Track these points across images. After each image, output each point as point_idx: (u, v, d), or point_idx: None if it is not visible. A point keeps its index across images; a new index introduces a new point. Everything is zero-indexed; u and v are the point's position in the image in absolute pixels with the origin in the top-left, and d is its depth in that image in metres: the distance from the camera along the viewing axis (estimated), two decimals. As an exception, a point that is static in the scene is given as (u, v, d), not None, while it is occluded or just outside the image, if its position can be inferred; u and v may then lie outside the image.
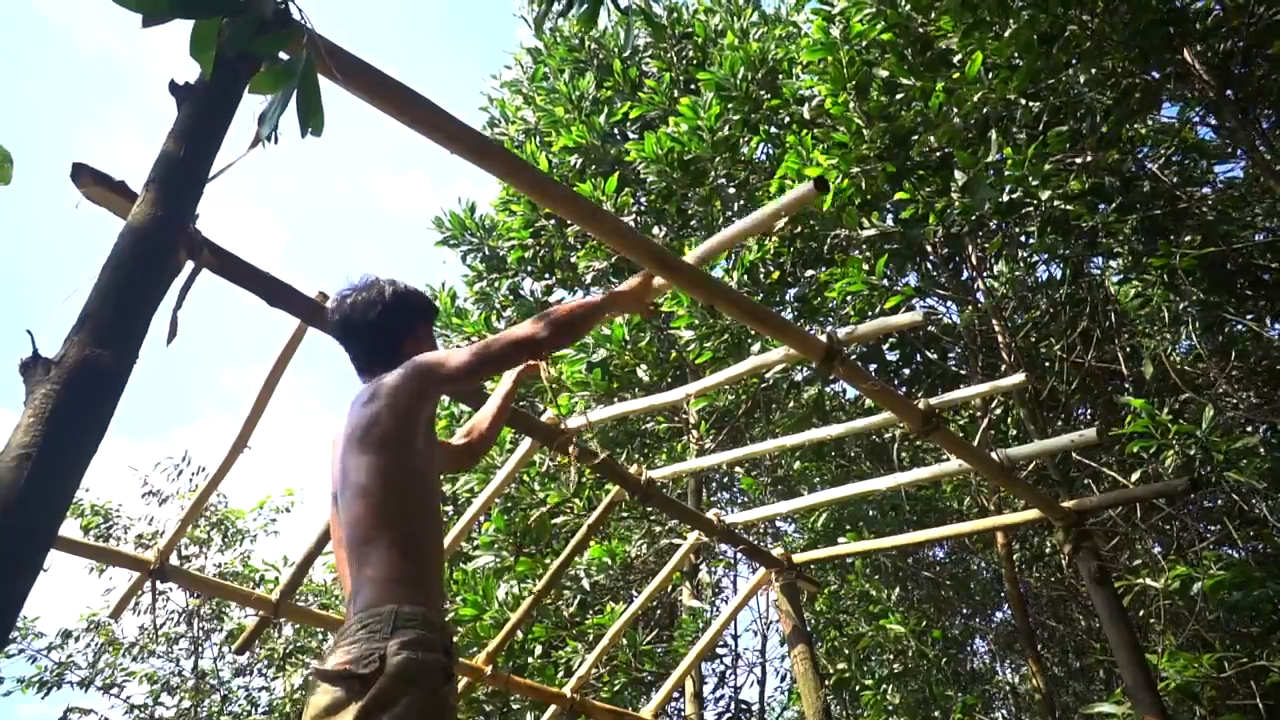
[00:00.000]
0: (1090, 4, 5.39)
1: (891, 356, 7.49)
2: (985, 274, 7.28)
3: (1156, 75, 5.77)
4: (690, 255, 2.56)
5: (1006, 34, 5.47)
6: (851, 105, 6.18)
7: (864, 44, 6.11)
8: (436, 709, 1.58)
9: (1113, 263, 6.36)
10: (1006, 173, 5.56)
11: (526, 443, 3.67)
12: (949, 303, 7.39)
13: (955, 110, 5.80)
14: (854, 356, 6.70)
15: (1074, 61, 5.71)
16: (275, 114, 1.59)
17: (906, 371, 7.54)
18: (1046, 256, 6.69)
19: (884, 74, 6.09)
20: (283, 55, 1.63)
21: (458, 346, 2.10)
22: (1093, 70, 5.70)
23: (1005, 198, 5.61)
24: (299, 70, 1.55)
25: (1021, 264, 6.94)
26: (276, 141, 1.61)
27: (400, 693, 1.54)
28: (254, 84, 1.57)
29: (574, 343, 2.04)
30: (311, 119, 1.58)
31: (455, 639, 1.82)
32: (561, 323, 1.93)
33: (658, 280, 2.40)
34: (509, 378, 2.50)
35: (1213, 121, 6.15)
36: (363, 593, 1.68)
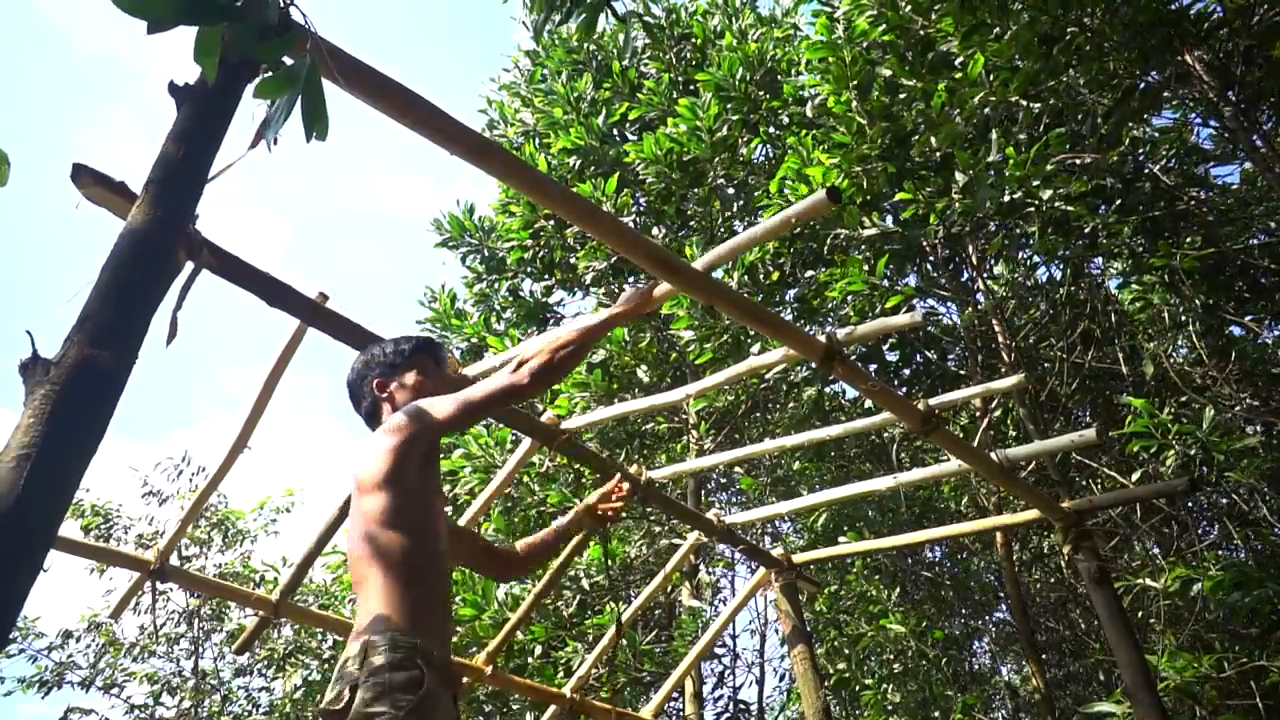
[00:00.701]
0: (1090, 5, 5.39)
1: (891, 357, 7.50)
2: (985, 274, 7.28)
3: (1157, 77, 5.77)
4: (699, 261, 2.54)
5: (1007, 36, 5.47)
6: (854, 104, 6.18)
7: (866, 44, 6.11)
8: (392, 708, 1.62)
9: (1113, 264, 6.36)
10: (1007, 173, 5.55)
11: (526, 443, 3.67)
12: (949, 303, 7.40)
13: (957, 111, 5.80)
14: (854, 357, 6.70)
15: (1075, 63, 5.71)
16: (280, 119, 1.59)
17: (906, 372, 7.54)
18: (1046, 257, 6.69)
19: (887, 73, 6.08)
20: (285, 60, 1.63)
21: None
22: (1093, 71, 5.70)
23: (1006, 198, 5.61)
24: (303, 75, 1.54)
25: (1022, 265, 6.94)
26: (277, 142, 1.61)
27: (366, 717, 1.62)
28: (259, 89, 1.57)
29: (563, 379, 2.11)
30: (316, 124, 1.58)
31: (451, 640, 1.83)
32: (545, 368, 1.97)
33: (660, 290, 2.40)
34: (565, 522, 2.52)
35: (1214, 123, 6.15)
36: (357, 628, 1.78)
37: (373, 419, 2.15)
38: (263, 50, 1.52)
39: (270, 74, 1.57)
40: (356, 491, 1.90)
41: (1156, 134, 6.34)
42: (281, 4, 1.56)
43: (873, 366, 7.39)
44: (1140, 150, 6.31)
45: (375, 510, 1.84)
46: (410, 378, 2.16)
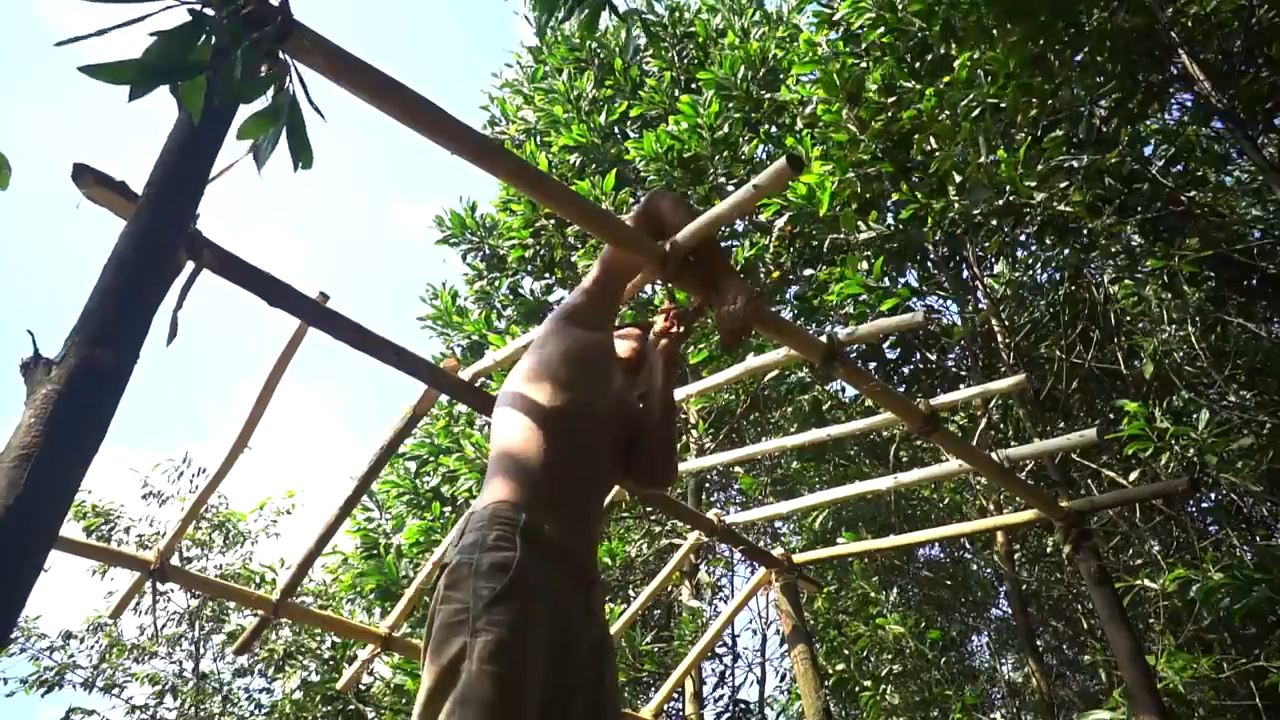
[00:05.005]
0: (1089, 8, 5.38)
1: (891, 355, 7.50)
2: (985, 274, 7.27)
3: (1156, 79, 5.75)
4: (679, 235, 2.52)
5: (1000, 47, 5.45)
6: (845, 114, 6.17)
7: (858, 50, 6.11)
8: (471, 599, 1.47)
9: (1110, 264, 6.34)
10: (1000, 174, 5.54)
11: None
12: (948, 302, 7.39)
13: (947, 114, 5.78)
14: (854, 355, 6.69)
15: (1075, 61, 5.69)
16: (268, 151, 1.60)
17: (906, 370, 7.54)
18: (1046, 257, 6.68)
19: (874, 87, 6.08)
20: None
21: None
22: (1089, 79, 5.68)
23: (1001, 201, 5.60)
24: (285, 111, 1.55)
25: (1021, 264, 6.93)
26: (259, 172, 1.63)
27: (443, 601, 1.51)
28: (242, 131, 1.59)
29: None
30: (302, 155, 1.60)
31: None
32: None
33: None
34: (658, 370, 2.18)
35: (1215, 124, 6.13)
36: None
37: None
38: (246, 92, 1.52)
39: (254, 113, 1.59)
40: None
41: (1157, 133, 6.32)
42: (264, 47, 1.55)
43: (872, 364, 7.40)
44: (1141, 146, 6.27)
45: (502, 394, 1.89)
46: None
